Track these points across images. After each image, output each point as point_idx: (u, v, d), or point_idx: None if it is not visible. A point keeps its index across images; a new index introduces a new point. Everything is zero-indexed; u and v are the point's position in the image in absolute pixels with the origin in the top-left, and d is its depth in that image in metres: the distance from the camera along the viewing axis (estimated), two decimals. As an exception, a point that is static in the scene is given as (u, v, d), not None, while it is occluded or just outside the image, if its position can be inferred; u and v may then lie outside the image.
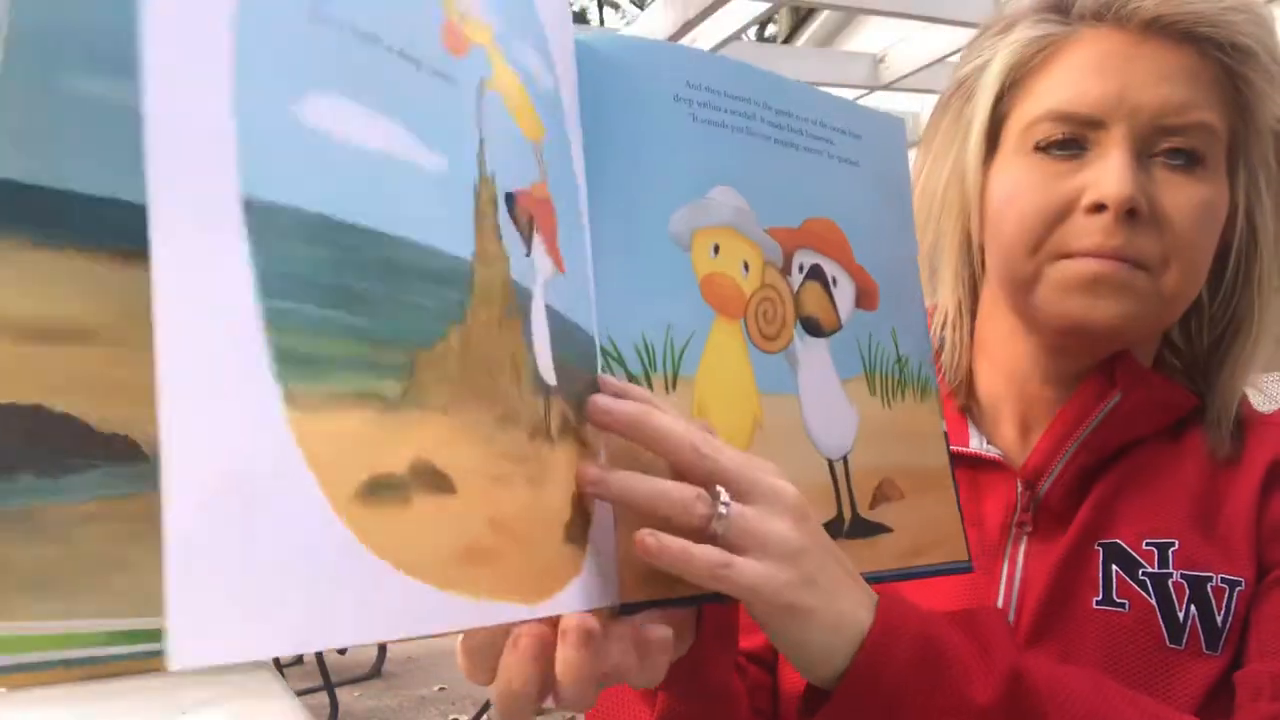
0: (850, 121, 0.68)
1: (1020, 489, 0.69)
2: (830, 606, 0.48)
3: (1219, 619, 0.63)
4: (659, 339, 0.52)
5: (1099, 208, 0.62)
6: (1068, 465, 0.68)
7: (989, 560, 0.69)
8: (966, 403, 0.74)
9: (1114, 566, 0.65)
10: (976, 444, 0.72)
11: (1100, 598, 0.64)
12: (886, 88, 4.99)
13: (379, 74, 0.36)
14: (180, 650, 0.24)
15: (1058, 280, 0.65)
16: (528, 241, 0.42)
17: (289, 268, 0.30)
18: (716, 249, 0.57)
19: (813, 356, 0.62)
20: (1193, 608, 0.63)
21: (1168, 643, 0.62)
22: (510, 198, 0.42)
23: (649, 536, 0.42)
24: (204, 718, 0.28)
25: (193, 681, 0.29)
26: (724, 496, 0.46)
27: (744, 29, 4.14)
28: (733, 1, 3.76)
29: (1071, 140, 0.65)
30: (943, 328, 0.75)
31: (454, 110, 0.39)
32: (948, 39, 4.42)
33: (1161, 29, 0.63)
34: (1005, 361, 0.72)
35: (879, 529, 0.62)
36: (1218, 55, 0.63)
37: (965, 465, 0.71)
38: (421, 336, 0.34)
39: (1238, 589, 0.63)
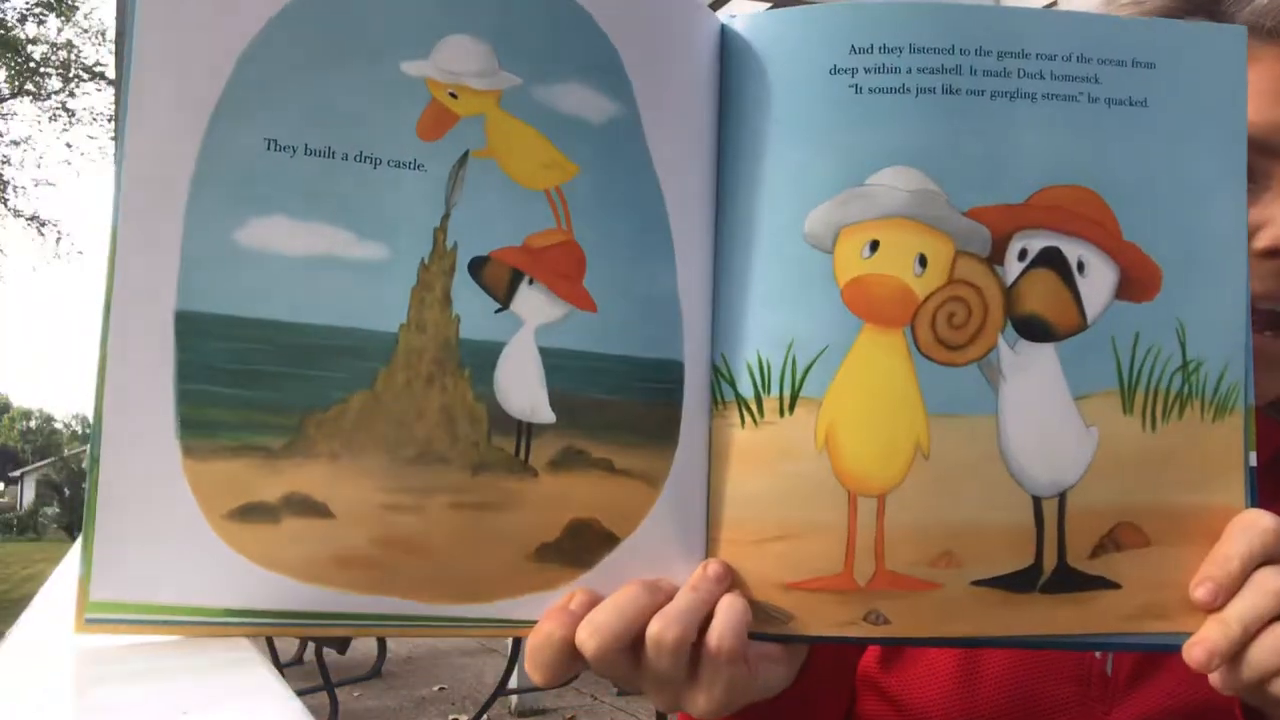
0: (1137, 47, 0.47)
1: None
2: None
3: None
4: (777, 356, 0.47)
5: (1274, 252, 0.56)
6: None
7: None
8: None
9: None
10: None
11: None
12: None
13: (324, 185, 0.43)
14: (96, 589, 0.42)
15: None
16: (507, 296, 0.45)
17: (204, 359, 0.42)
18: (874, 246, 0.48)
19: (1029, 367, 0.48)
20: None
21: None
22: (480, 261, 0.44)
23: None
24: (204, 718, 0.39)
25: (193, 682, 0.41)
26: None
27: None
28: (732, 2, 3.49)
29: None
30: None
31: (411, 196, 0.44)
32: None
33: None
34: None
35: (1098, 583, 0.47)
36: None
37: None
38: (314, 402, 0.43)
39: None
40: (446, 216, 0.45)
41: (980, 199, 0.48)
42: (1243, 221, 0.49)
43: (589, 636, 0.44)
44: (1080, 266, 0.48)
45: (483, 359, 0.45)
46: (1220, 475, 0.48)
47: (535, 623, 0.46)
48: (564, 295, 0.46)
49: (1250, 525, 0.46)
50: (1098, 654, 0.61)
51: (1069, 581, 0.47)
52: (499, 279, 0.45)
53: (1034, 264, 0.48)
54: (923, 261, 0.47)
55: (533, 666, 0.46)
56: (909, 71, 0.47)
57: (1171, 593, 0.47)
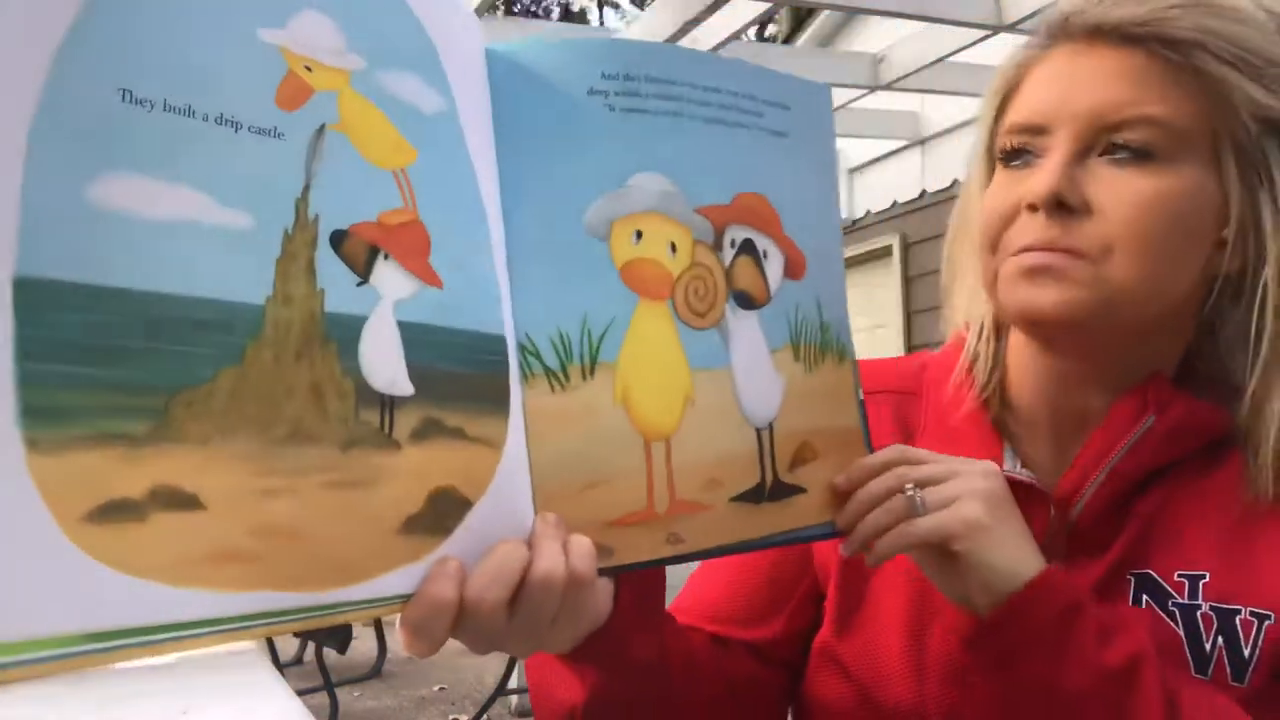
0: (779, 92, 0.64)
1: (1053, 513, 0.67)
2: (1012, 540, 0.58)
3: (1246, 651, 0.61)
4: (575, 329, 0.54)
5: (1033, 206, 0.64)
6: (1099, 491, 0.66)
7: None
8: (1000, 414, 0.73)
9: (1145, 597, 0.65)
10: (1010, 465, 0.70)
11: None
12: (886, 87, 4.92)
13: (185, 145, 0.39)
14: None
15: (1007, 274, 0.66)
16: (365, 270, 0.45)
17: (50, 333, 0.35)
18: (639, 235, 0.57)
19: (744, 329, 0.62)
20: (1220, 639, 0.62)
21: (1193, 673, 0.62)
22: (340, 235, 0.44)
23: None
24: (204, 718, 0.33)
25: (194, 682, 0.35)
26: (909, 490, 0.59)
27: (744, 29, 4.07)
28: (733, 1, 3.68)
29: (1024, 150, 0.66)
30: (978, 342, 0.75)
31: (273, 164, 0.42)
32: (948, 39, 4.37)
33: (1103, 36, 0.64)
34: (1031, 374, 0.71)
35: (795, 490, 0.62)
36: (1163, 52, 0.62)
37: None
38: (181, 381, 0.39)
39: (1267, 622, 0.61)
40: (307, 188, 0.43)
41: (702, 199, 0.60)
42: (838, 231, 0.68)
43: (485, 589, 0.46)
44: (765, 254, 0.63)
45: (348, 332, 0.45)
46: (846, 403, 0.66)
47: (409, 597, 0.46)
48: (415, 271, 0.47)
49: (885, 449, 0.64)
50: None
51: (779, 491, 0.62)
52: (357, 253, 0.45)
53: (739, 251, 0.62)
54: (673, 248, 0.59)
55: (416, 637, 0.46)
56: (648, 96, 0.58)
57: (831, 491, 0.64)
